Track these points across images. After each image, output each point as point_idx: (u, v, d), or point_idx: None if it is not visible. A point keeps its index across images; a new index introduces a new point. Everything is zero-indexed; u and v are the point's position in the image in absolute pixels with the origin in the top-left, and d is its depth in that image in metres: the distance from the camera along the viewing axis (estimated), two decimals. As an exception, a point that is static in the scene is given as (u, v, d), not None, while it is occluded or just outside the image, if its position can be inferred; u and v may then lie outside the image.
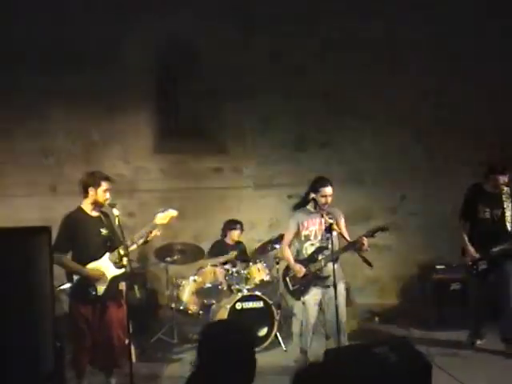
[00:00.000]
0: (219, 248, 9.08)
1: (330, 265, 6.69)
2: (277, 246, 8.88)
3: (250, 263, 8.67)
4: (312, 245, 7.00)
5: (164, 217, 6.74)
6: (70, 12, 9.19)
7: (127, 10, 9.31)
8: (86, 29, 9.24)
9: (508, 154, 9.59)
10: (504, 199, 7.56)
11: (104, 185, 6.61)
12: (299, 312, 7.00)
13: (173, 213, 6.77)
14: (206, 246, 9.11)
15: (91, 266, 6.56)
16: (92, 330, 6.61)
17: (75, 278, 6.59)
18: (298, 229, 7.07)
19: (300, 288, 7.00)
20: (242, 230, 9.21)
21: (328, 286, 6.86)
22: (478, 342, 7.92)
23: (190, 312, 8.60)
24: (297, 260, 7.09)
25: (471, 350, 7.85)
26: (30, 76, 9.18)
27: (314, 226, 7.00)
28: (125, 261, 6.18)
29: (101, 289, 6.58)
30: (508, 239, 7.47)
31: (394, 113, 10.13)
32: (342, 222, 7.08)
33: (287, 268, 7.22)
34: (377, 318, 9.21)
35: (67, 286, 6.78)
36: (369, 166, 10.04)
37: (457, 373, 6.73)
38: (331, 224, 6.70)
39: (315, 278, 6.93)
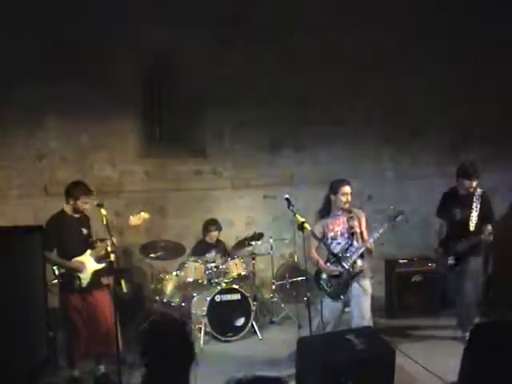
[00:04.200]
0: (202, 247, 9.12)
1: (359, 261, 6.80)
2: (253, 243, 8.95)
3: (228, 259, 8.72)
4: (339, 244, 6.89)
5: (137, 219, 6.97)
6: (61, 27, 9.18)
7: (115, 24, 9.31)
8: (75, 42, 9.24)
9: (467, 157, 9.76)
10: (474, 200, 7.57)
11: (83, 198, 6.72)
12: (325, 310, 6.72)
13: (144, 215, 7.06)
14: (187, 244, 9.15)
15: (74, 260, 6.70)
16: (84, 319, 6.70)
17: (61, 271, 6.70)
18: (324, 231, 6.92)
19: (338, 288, 6.86)
20: (219, 229, 9.24)
21: (353, 283, 6.84)
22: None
23: (172, 304, 8.65)
24: (327, 261, 6.93)
25: (431, 335, 7.98)
26: (26, 87, 9.16)
27: (338, 227, 6.91)
28: (112, 257, 6.23)
29: (84, 281, 6.70)
30: (470, 238, 7.54)
31: (363, 119, 10.22)
32: (364, 221, 7.02)
33: (318, 272, 7.01)
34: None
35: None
36: (339, 168, 10.11)
37: (418, 357, 6.85)
38: (352, 227, 6.81)
39: (350, 276, 6.83)
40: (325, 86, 10.03)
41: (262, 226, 9.68)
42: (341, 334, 6.16)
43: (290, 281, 9.36)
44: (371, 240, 6.79)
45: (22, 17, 9.09)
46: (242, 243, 9.07)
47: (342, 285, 6.86)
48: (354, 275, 6.84)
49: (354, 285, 6.84)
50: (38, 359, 5.28)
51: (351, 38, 9.84)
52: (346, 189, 6.82)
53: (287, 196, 6.90)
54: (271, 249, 9.26)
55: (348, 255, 6.84)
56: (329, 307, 6.83)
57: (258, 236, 9.10)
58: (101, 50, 9.42)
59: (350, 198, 6.85)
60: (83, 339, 6.74)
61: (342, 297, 6.87)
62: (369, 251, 6.79)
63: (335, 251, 6.89)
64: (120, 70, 9.61)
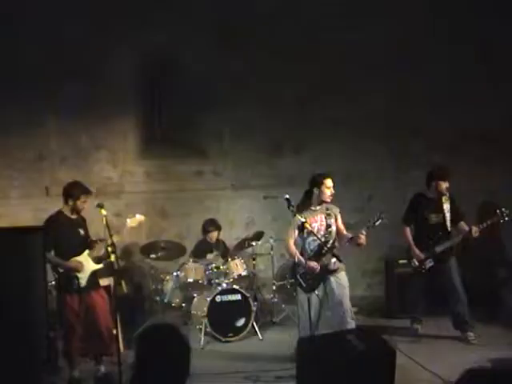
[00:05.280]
0: (203, 247, 9.12)
1: (334, 258, 6.83)
2: (253, 244, 8.95)
3: (229, 259, 8.71)
4: (314, 240, 6.91)
5: (133, 222, 7.01)
6: (61, 28, 9.18)
7: (115, 24, 9.31)
8: (76, 43, 9.24)
9: (467, 155, 9.78)
10: (443, 201, 7.74)
11: (82, 198, 6.77)
12: (305, 304, 6.70)
13: (140, 218, 7.13)
14: (187, 244, 9.15)
15: (72, 260, 6.74)
16: (80, 319, 6.71)
17: (60, 271, 6.72)
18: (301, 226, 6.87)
19: (314, 283, 6.88)
20: (218, 229, 9.23)
21: (329, 279, 6.90)
22: (420, 326, 8.14)
23: (173, 305, 8.67)
24: (302, 256, 6.89)
25: (431, 335, 7.99)
26: (27, 88, 9.17)
27: (315, 223, 6.94)
28: (112, 257, 6.23)
29: (83, 281, 6.72)
30: (449, 238, 7.72)
31: (362, 119, 10.19)
32: (339, 216, 7.08)
33: (295, 265, 6.97)
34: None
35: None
36: (339, 168, 10.07)
37: (418, 357, 6.85)
38: (330, 225, 6.90)
39: (326, 272, 6.89)
40: (325, 85, 10.02)
41: (262, 226, 9.65)
42: (341, 334, 6.16)
43: (290, 281, 9.33)
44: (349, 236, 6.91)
45: (23, 17, 9.08)
46: (243, 243, 9.07)
47: (317, 280, 6.90)
48: (330, 272, 6.90)
49: (331, 279, 6.89)
50: (38, 359, 5.27)
51: (351, 38, 9.82)
52: (330, 181, 6.92)
53: (287, 196, 6.89)
54: (271, 249, 9.24)
55: (324, 252, 6.87)
56: (305, 302, 6.82)
57: (258, 235, 9.10)
58: (101, 50, 9.41)
59: (333, 190, 6.93)
60: (80, 339, 6.77)
61: (316, 291, 6.88)
62: (359, 244, 6.78)
63: (311, 247, 6.96)
64: (120, 70, 9.61)
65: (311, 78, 9.96)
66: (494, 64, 9.87)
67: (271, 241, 9.23)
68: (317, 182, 6.94)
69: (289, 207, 6.82)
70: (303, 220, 6.66)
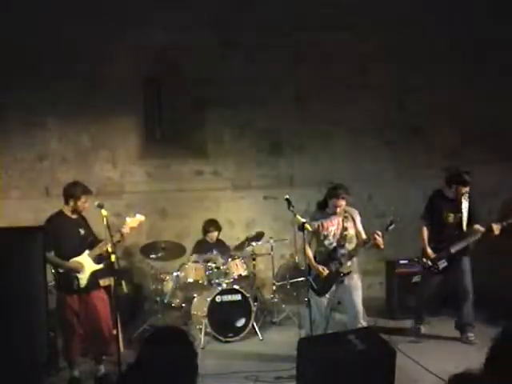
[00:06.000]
0: (202, 247, 9.10)
1: (348, 262, 6.84)
2: (253, 244, 8.95)
3: (229, 259, 8.71)
4: (330, 244, 6.95)
5: (133, 222, 6.99)
6: (61, 27, 9.17)
7: (115, 24, 9.30)
8: (76, 43, 9.24)
9: (467, 155, 9.79)
10: (463, 202, 7.66)
11: (83, 198, 6.76)
12: (315, 306, 6.82)
13: (140, 218, 7.09)
14: (187, 244, 9.15)
15: (72, 261, 6.72)
16: (80, 320, 6.72)
17: (60, 271, 6.72)
18: (319, 228, 6.97)
19: (325, 286, 6.91)
20: (218, 230, 9.25)
21: (342, 281, 6.90)
22: (423, 327, 8.12)
23: (173, 305, 8.67)
24: (315, 259, 7.00)
25: (431, 335, 7.99)
26: (27, 88, 9.18)
27: (332, 227, 6.94)
28: (113, 258, 6.23)
29: (83, 282, 6.71)
30: (464, 238, 7.62)
31: (363, 119, 10.19)
32: (358, 220, 7.05)
33: (309, 268, 7.03)
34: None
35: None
36: (339, 168, 10.09)
37: (418, 357, 6.85)
38: (346, 229, 6.89)
39: (337, 276, 6.88)
40: (325, 85, 10.02)
41: (262, 226, 9.66)
42: (341, 334, 6.17)
43: (290, 281, 9.34)
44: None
45: (23, 17, 9.08)
46: (243, 244, 9.06)
47: (330, 282, 6.90)
48: (342, 275, 6.88)
49: (344, 282, 6.90)
50: (39, 360, 5.27)
51: (351, 38, 9.83)
52: (339, 202, 6.85)
53: (287, 196, 6.91)
54: (272, 249, 9.24)
55: (338, 255, 6.87)
56: (316, 304, 6.87)
57: (259, 235, 9.09)
58: (101, 50, 9.41)
59: (339, 209, 6.89)
60: (80, 339, 6.78)
61: (327, 294, 6.91)
62: (377, 246, 6.77)
63: (326, 251, 6.96)
64: (120, 70, 9.60)
65: (311, 77, 9.96)
66: (493, 64, 9.89)
67: (271, 241, 9.23)
68: (331, 197, 6.90)
69: (289, 207, 6.84)
70: (303, 220, 6.67)
